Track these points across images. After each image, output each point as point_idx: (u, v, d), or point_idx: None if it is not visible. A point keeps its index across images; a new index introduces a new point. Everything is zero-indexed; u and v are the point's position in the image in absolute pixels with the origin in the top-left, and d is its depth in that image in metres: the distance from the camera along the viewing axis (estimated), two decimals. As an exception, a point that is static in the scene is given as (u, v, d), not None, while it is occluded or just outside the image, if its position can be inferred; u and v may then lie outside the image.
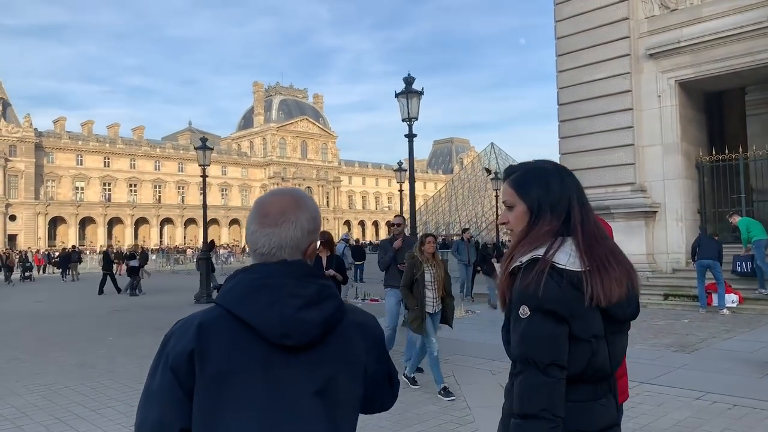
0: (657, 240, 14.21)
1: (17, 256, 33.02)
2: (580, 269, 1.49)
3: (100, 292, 19.73)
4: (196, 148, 15.85)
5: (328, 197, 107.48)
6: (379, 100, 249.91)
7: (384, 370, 1.43)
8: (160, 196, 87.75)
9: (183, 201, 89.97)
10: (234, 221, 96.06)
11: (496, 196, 31.65)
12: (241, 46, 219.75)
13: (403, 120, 10.75)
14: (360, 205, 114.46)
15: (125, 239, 79.98)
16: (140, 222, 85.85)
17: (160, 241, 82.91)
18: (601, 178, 14.94)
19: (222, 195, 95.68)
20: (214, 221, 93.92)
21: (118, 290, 19.79)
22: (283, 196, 1.38)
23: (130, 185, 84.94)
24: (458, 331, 8.57)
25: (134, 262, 20.10)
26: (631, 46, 14.61)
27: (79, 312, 14.78)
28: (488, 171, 32.53)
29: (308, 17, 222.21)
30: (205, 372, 1.20)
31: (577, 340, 1.48)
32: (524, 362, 1.47)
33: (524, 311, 1.48)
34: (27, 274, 28.99)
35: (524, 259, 1.53)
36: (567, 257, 1.50)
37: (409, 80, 10.70)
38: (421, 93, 10.74)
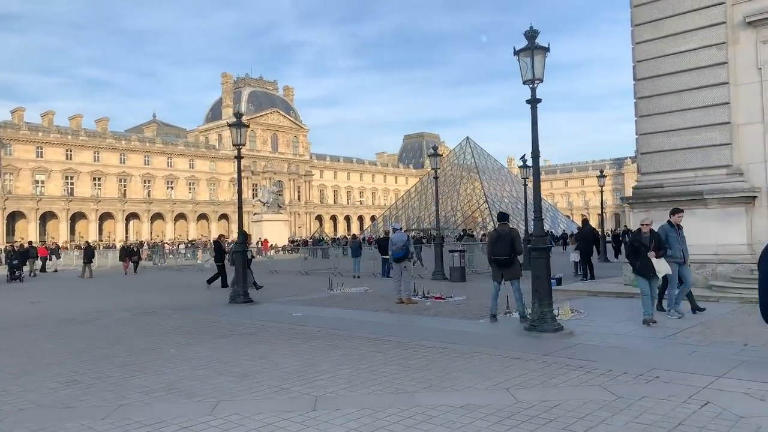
0: (757, 229, 12.76)
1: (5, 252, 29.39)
2: None
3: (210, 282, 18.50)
4: (230, 125, 13.72)
5: (299, 191, 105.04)
6: (345, 95, 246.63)
7: None
8: (125, 191, 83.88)
9: (149, 195, 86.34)
10: (202, 216, 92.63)
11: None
12: (203, 38, 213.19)
13: (524, 82, 8.92)
14: (331, 199, 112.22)
15: (89, 235, 76.16)
16: (105, 217, 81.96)
17: (126, 237, 79.12)
18: (688, 160, 13.54)
19: (189, 189, 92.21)
20: (182, 216, 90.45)
21: (225, 285, 17.30)
22: None
23: (94, 179, 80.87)
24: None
25: None
26: (727, 13, 13.14)
27: (95, 315, 12.50)
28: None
29: (271, 11, 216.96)
30: None
31: None
32: None
33: None
34: (17, 273, 24.52)
35: None
36: None
37: (531, 34, 8.86)
38: (547, 49, 8.94)
